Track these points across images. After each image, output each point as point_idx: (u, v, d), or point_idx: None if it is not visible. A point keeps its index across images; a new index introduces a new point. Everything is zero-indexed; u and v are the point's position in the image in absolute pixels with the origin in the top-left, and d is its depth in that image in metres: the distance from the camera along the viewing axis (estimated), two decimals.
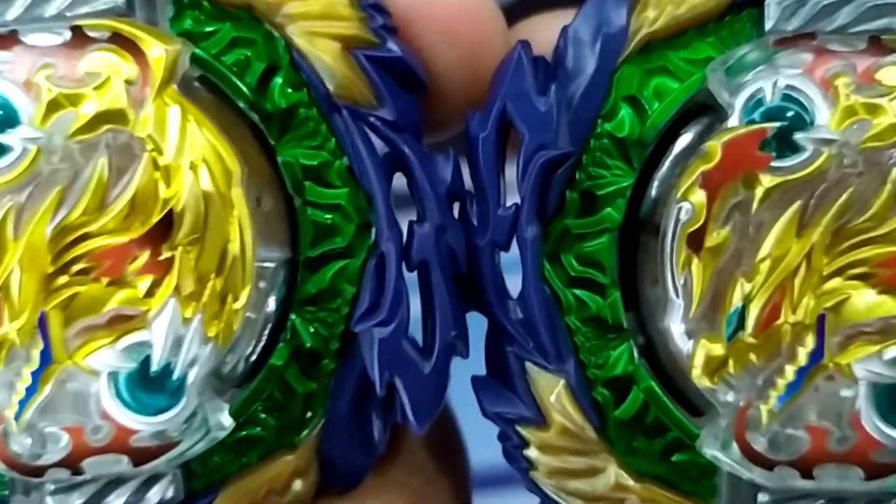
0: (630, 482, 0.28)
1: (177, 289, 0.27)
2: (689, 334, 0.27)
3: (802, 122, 0.26)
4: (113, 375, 0.27)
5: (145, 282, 0.27)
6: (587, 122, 0.28)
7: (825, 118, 0.26)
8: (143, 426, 0.27)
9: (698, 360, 0.27)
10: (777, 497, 0.28)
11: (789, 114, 0.27)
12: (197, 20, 0.28)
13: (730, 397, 0.27)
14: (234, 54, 0.28)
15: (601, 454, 0.28)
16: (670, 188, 0.27)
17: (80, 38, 0.27)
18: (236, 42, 0.28)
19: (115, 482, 0.28)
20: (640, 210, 0.28)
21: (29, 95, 0.26)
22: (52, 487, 0.28)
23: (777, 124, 0.26)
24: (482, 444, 0.33)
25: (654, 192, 0.28)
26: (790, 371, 0.27)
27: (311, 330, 0.29)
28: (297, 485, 0.29)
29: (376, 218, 0.28)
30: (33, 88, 0.26)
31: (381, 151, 0.28)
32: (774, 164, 0.26)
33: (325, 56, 0.28)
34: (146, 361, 0.27)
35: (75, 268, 0.27)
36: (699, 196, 0.27)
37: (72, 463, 0.27)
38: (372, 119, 0.28)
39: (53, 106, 0.26)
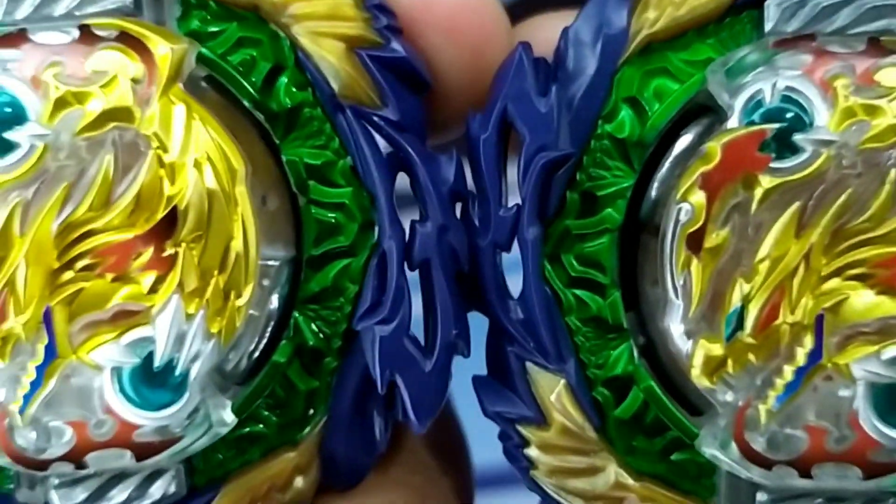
0: (630, 481, 0.28)
1: (180, 285, 0.27)
2: (689, 334, 0.27)
3: (802, 123, 0.27)
4: (116, 370, 0.27)
5: (149, 278, 0.27)
6: (588, 123, 0.28)
7: (824, 119, 0.27)
8: (145, 421, 0.27)
9: (697, 360, 0.27)
10: (776, 496, 0.28)
11: (788, 115, 0.27)
12: (204, 20, 0.28)
13: (729, 397, 0.27)
14: (240, 54, 0.28)
15: (601, 453, 0.28)
16: (670, 189, 0.28)
17: (87, 37, 0.27)
18: (242, 42, 0.28)
19: (118, 477, 0.28)
20: (641, 211, 0.28)
21: (37, 93, 0.27)
22: (56, 482, 0.28)
23: (776, 125, 0.27)
24: (483, 444, 0.33)
25: (654, 192, 0.28)
26: (789, 371, 0.27)
27: (314, 328, 0.29)
28: (299, 482, 0.29)
29: (379, 217, 0.28)
30: (41, 86, 0.27)
31: (384, 151, 0.29)
32: (774, 165, 0.27)
33: (329, 56, 0.28)
34: (149, 357, 0.27)
35: (80, 263, 0.27)
36: (699, 197, 0.27)
37: (76, 457, 0.28)
38: (376, 119, 0.28)
39: (61, 103, 0.27)
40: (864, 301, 0.27)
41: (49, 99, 0.27)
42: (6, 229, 0.27)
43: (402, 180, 0.29)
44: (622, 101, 0.28)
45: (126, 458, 0.28)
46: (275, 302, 0.29)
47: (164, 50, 0.27)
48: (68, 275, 0.27)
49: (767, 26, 0.28)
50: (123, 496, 0.28)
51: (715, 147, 0.27)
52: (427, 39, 0.29)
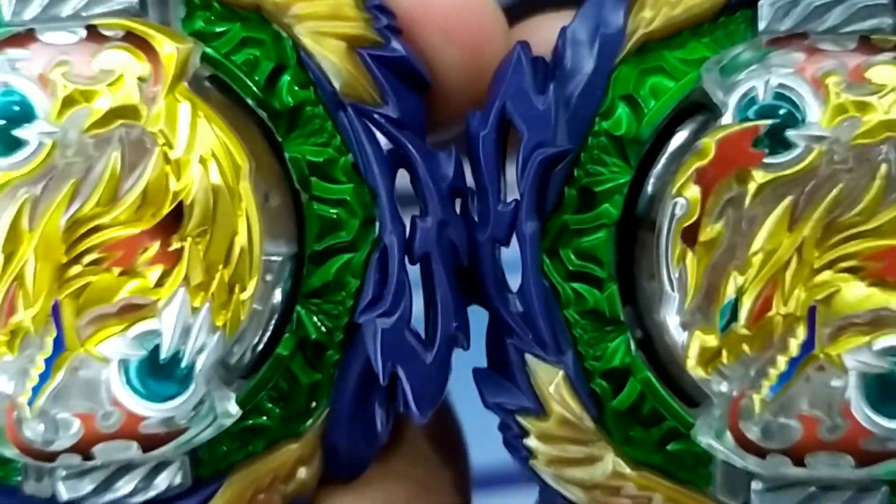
0: (627, 470, 0.29)
1: (186, 279, 0.28)
2: (684, 326, 0.28)
3: (794, 119, 0.27)
4: (124, 363, 0.28)
5: (155, 272, 0.28)
6: (585, 120, 0.29)
7: (816, 116, 0.27)
8: (152, 413, 0.28)
9: (693, 351, 0.28)
10: (770, 485, 0.28)
11: (781, 112, 0.27)
12: (208, 21, 0.29)
13: (723, 387, 0.28)
14: (243, 54, 0.29)
15: (599, 443, 0.29)
16: (666, 184, 0.28)
17: (94, 37, 0.28)
18: (246, 42, 0.29)
19: (125, 468, 0.29)
20: (637, 206, 0.29)
21: (45, 91, 0.27)
22: (63, 473, 0.29)
23: (769, 122, 0.27)
24: (482, 444, 0.34)
25: (650, 188, 0.29)
26: (782, 361, 0.27)
27: (317, 322, 0.29)
28: (302, 472, 0.30)
29: (380, 212, 0.29)
30: (49, 85, 0.27)
31: (385, 148, 0.29)
32: (767, 160, 0.27)
33: (331, 55, 0.29)
34: (156, 349, 0.28)
35: (88, 258, 0.28)
36: (693, 192, 0.27)
37: (83, 449, 0.28)
38: (376, 116, 0.29)
39: (68, 102, 0.27)
40: (855, 293, 0.27)
41: (57, 97, 0.27)
42: (16, 225, 0.27)
43: (404, 180, 0.30)
44: (619, 99, 0.29)
45: (132, 450, 0.28)
46: (278, 296, 0.29)
47: (169, 49, 0.28)
48: (76, 269, 0.27)
49: (761, 25, 0.28)
50: (130, 487, 0.29)
51: (709, 143, 0.27)
52: (426, 39, 0.29)
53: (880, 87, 0.27)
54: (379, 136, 0.29)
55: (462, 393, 0.32)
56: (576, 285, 0.29)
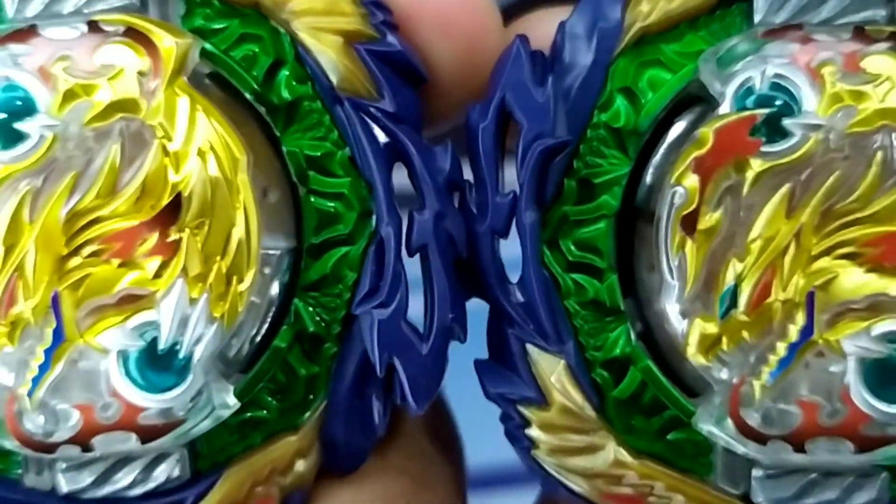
0: (629, 459, 0.29)
1: (184, 270, 0.28)
2: (684, 314, 0.28)
3: (790, 109, 0.28)
4: (122, 354, 0.28)
5: (154, 263, 0.28)
6: (584, 112, 0.29)
7: (812, 105, 0.27)
8: (150, 404, 0.28)
9: (693, 339, 0.28)
10: (771, 472, 0.28)
11: (778, 101, 0.28)
12: (207, 17, 0.29)
13: (724, 374, 0.28)
14: (242, 49, 0.29)
15: (600, 432, 0.29)
16: (665, 174, 0.28)
17: (95, 32, 0.28)
18: (244, 38, 0.29)
19: (124, 461, 0.29)
20: (636, 197, 0.29)
21: (46, 85, 0.28)
22: (63, 466, 0.29)
23: (766, 111, 0.27)
24: (482, 444, 0.34)
25: (649, 178, 0.29)
26: (781, 347, 0.28)
27: (314, 314, 0.29)
28: (300, 465, 0.30)
29: (376, 205, 0.29)
30: (51, 79, 0.28)
31: (382, 142, 0.30)
32: (764, 148, 0.27)
33: (328, 50, 0.29)
34: (154, 340, 0.28)
35: (87, 250, 0.28)
36: (692, 180, 0.28)
37: (82, 440, 0.28)
38: (373, 110, 0.29)
39: (69, 95, 0.28)
40: (853, 279, 0.27)
41: (58, 91, 0.28)
42: (16, 216, 0.28)
43: (402, 179, 0.30)
44: (617, 92, 0.29)
45: (131, 441, 0.28)
46: (275, 289, 0.29)
47: (169, 43, 0.28)
48: (76, 261, 0.28)
49: (756, 18, 0.29)
50: (129, 479, 0.29)
51: (707, 132, 0.28)
52: (421, 33, 0.30)
53: (875, 76, 0.27)
54: (376, 130, 0.29)
55: (460, 393, 0.32)
56: (576, 276, 0.29)
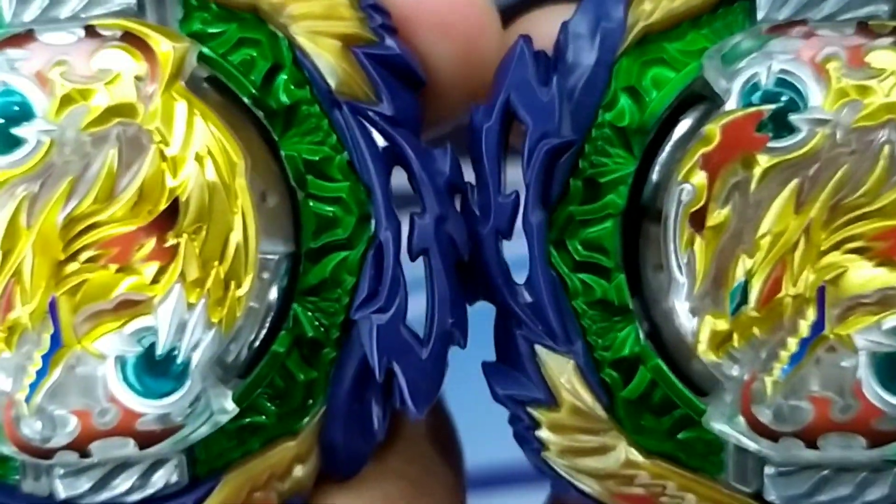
0: (640, 459, 0.29)
1: (182, 275, 0.28)
2: (694, 312, 0.28)
3: (797, 104, 0.28)
4: (120, 359, 0.28)
5: (151, 268, 0.28)
6: (588, 112, 0.29)
7: (818, 100, 0.27)
8: (148, 409, 0.28)
9: (703, 336, 0.28)
10: (783, 469, 0.28)
11: (784, 97, 0.28)
12: (205, 21, 0.29)
13: (735, 371, 0.28)
14: (240, 54, 0.29)
15: (611, 432, 0.29)
16: (671, 172, 0.28)
17: (92, 37, 0.28)
18: (242, 42, 0.29)
19: (122, 466, 0.29)
20: (642, 196, 0.29)
21: (44, 90, 0.28)
22: (60, 472, 0.29)
23: (773, 106, 0.27)
24: (482, 445, 0.34)
25: (655, 176, 0.29)
26: (793, 343, 0.27)
27: (313, 319, 0.29)
28: (299, 470, 0.30)
29: (375, 209, 0.29)
30: (48, 84, 0.28)
31: (380, 146, 0.29)
32: (771, 144, 0.27)
33: (326, 54, 0.29)
34: (152, 346, 0.28)
35: (85, 255, 0.28)
36: (700, 177, 0.28)
37: (80, 446, 0.28)
38: (371, 114, 0.29)
39: (66, 100, 0.28)
40: (863, 273, 0.27)
41: (55, 96, 0.27)
42: (14, 221, 0.27)
43: (402, 181, 0.30)
44: (621, 91, 0.29)
45: (129, 447, 0.28)
46: (274, 294, 0.29)
47: (166, 47, 0.28)
48: (73, 266, 0.28)
49: (759, 15, 0.29)
50: (127, 485, 0.29)
51: (714, 129, 0.28)
52: (420, 35, 0.29)
53: (880, 70, 0.27)
54: (374, 133, 0.29)
55: (460, 393, 0.32)
56: (583, 276, 0.29)
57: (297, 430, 0.30)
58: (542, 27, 0.30)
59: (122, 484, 0.29)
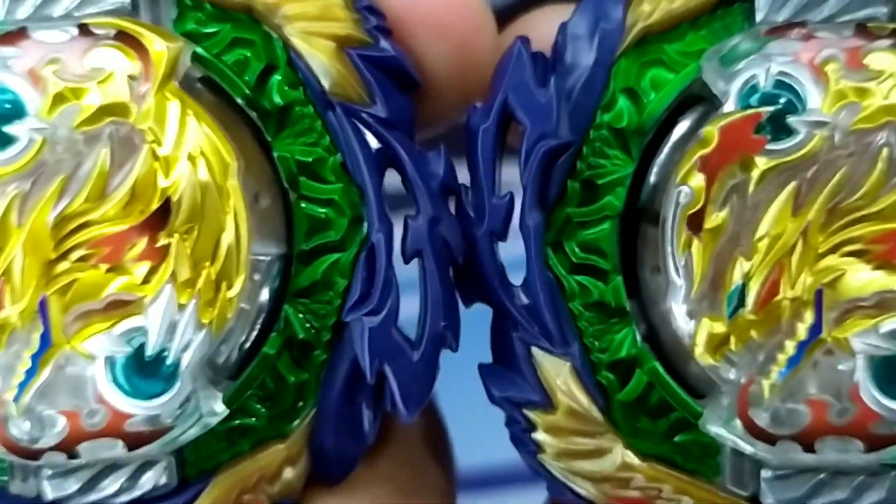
0: (636, 462, 0.29)
1: (173, 275, 0.28)
2: (691, 314, 0.28)
3: (795, 106, 0.27)
4: (109, 360, 0.28)
5: (142, 268, 0.28)
6: (587, 113, 0.29)
7: (817, 102, 0.27)
8: (137, 410, 0.28)
9: (701, 339, 0.28)
10: (780, 473, 0.28)
11: (782, 99, 0.27)
12: (199, 21, 0.29)
13: (732, 374, 0.28)
14: (234, 54, 0.29)
15: (607, 435, 0.29)
16: (669, 174, 0.28)
17: (86, 35, 0.28)
18: (236, 42, 0.29)
19: (110, 468, 0.29)
20: (640, 198, 0.29)
21: (36, 88, 0.27)
22: (48, 473, 0.29)
23: (771, 108, 0.27)
24: (479, 446, 0.34)
25: (653, 178, 0.29)
26: (790, 346, 0.27)
27: (304, 321, 0.29)
28: (288, 473, 0.29)
29: (367, 211, 0.29)
30: (40, 82, 0.27)
31: (374, 148, 0.29)
32: (769, 146, 0.27)
33: (320, 55, 0.29)
34: (142, 347, 0.28)
35: (76, 254, 0.28)
36: (698, 180, 0.28)
37: (68, 447, 0.28)
38: (365, 116, 0.29)
39: (59, 99, 0.27)
40: (860, 276, 0.27)
41: (48, 94, 0.27)
42: (4, 220, 0.27)
43: (396, 181, 0.30)
44: (619, 92, 0.29)
45: (118, 448, 0.28)
46: (265, 295, 0.29)
47: (160, 47, 0.28)
48: (64, 265, 0.27)
49: (758, 16, 0.29)
50: (115, 487, 0.29)
51: (712, 131, 0.28)
52: (414, 37, 0.29)
53: (878, 73, 0.27)
54: (368, 135, 0.29)
55: (457, 395, 0.32)
56: (580, 278, 0.29)
57: (287, 433, 0.29)
58: (541, 28, 0.30)
59: (110, 485, 0.29)
